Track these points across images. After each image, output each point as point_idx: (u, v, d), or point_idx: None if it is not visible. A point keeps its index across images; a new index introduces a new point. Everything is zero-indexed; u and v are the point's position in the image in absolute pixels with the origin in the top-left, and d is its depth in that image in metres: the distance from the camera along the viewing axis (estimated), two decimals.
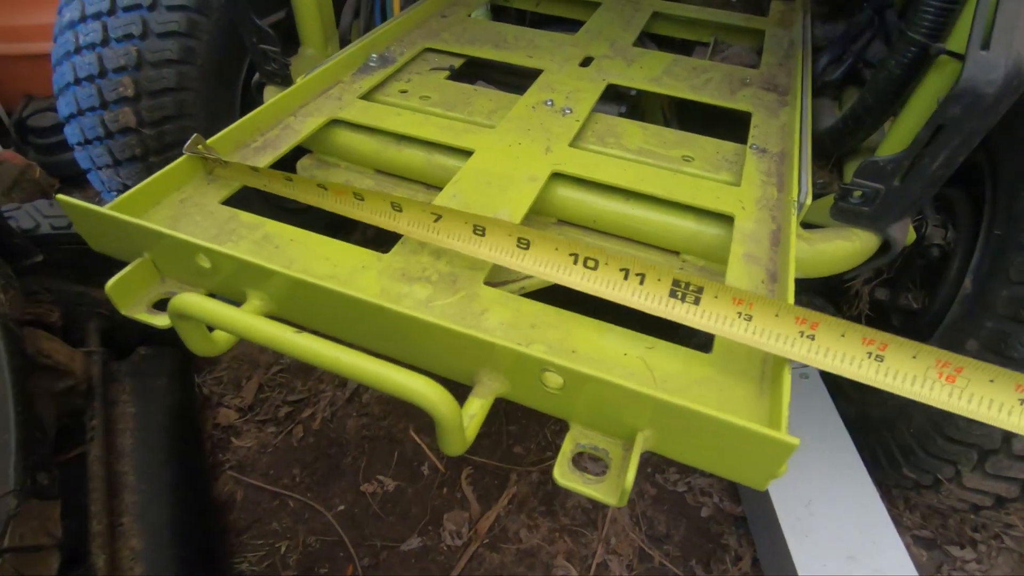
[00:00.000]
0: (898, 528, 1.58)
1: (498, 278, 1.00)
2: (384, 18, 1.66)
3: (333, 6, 1.56)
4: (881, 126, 1.14)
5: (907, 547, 1.52)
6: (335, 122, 1.24)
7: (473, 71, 1.55)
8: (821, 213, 1.22)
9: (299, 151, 1.30)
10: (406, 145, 1.21)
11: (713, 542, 1.50)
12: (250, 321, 0.65)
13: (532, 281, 1.03)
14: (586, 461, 1.49)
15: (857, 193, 0.99)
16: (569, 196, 1.13)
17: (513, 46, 1.54)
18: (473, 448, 1.29)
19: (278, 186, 0.95)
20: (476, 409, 0.66)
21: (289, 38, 1.54)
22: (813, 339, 0.65)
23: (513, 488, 1.61)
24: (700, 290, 0.74)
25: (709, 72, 1.46)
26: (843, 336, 0.64)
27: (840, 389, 1.48)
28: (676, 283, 0.75)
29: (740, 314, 0.72)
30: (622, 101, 1.51)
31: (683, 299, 0.75)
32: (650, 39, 1.86)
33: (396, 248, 0.90)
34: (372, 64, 1.40)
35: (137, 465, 1.32)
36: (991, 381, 0.64)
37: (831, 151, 1.27)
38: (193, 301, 0.68)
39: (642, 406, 0.62)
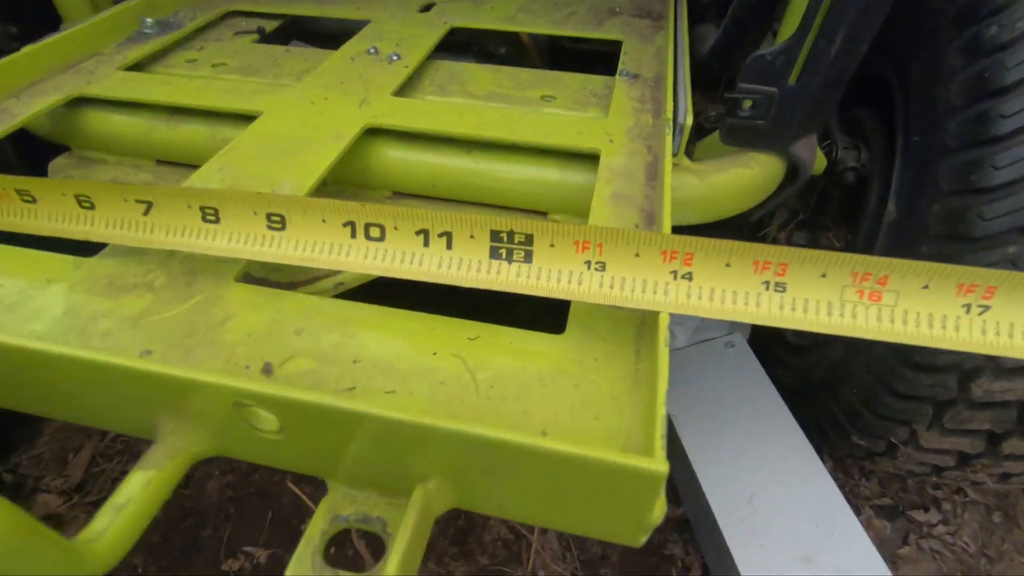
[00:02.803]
0: (856, 500, 1.40)
1: (290, 276, 0.72)
2: None
3: None
4: (768, 30, 0.94)
5: (868, 520, 1.34)
6: (83, 101, 0.93)
7: (292, 36, 1.27)
8: (714, 150, 1.01)
9: (51, 151, 0.99)
10: (181, 120, 0.92)
11: (655, 555, 1.27)
12: None
13: (348, 275, 0.76)
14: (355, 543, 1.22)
15: (747, 103, 0.77)
16: (396, 157, 0.87)
17: (339, 0, 1.27)
18: None
19: None
20: (132, 491, 0.38)
21: (48, 15, 1.22)
22: (691, 279, 0.42)
23: None
24: (529, 239, 0.49)
25: (573, 5, 1.24)
26: (728, 266, 0.41)
27: (771, 354, 1.28)
28: (496, 236, 0.50)
29: (589, 263, 0.47)
30: (485, 58, 1.27)
31: (509, 258, 0.50)
32: None
33: (108, 248, 0.61)
34: (147, 31, 1.09)
35: None
36: (925, 288, 0.43)
37: (719, 73, 1.07)
38: None
39: (419, 441, 0.36)
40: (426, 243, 0.52)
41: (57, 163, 0.98)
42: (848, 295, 0.41)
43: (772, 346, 1.29)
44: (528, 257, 0.49)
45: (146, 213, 0.56)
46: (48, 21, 1.24)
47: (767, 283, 0.41)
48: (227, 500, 1.39)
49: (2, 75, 0.88)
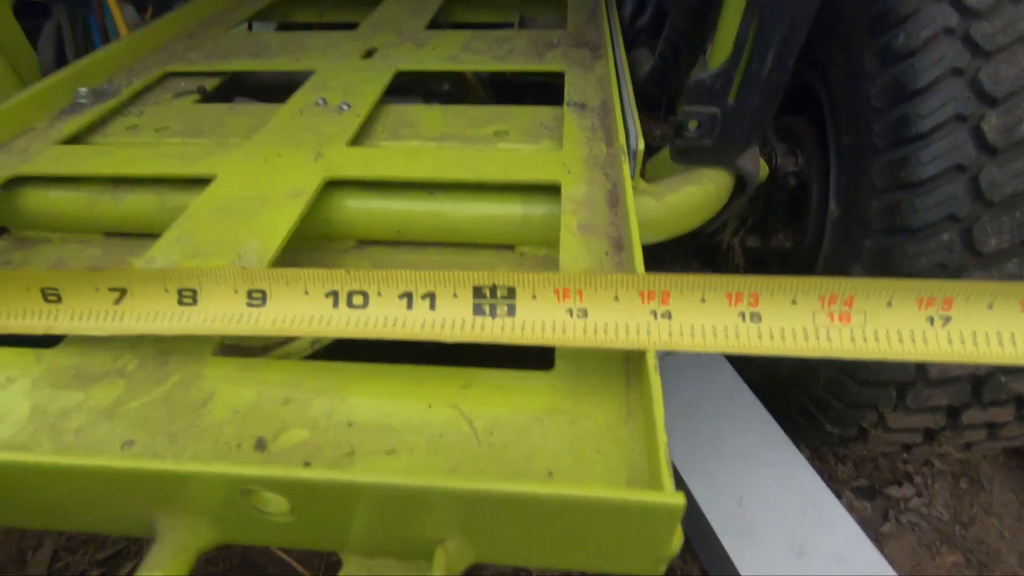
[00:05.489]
0: (835, 485, 1.45)
1: (262, 340, 0.71)
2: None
3: (28, 40, 1.21)
4: (701, 51, 0.99)
5: (849, 503, 1.40)
6: (19, 181, 0.89)
7: (234, 93, 1.26)
8: (663, 168, 1.05)
9: None
10: (128, 190, 0.89)
11: None
12: None
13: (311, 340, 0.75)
14: None
15: (692, 124, 0.82)
16: (358, 207, 0.86)
17: (277, 52, 1.26)
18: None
19: None
20: None
21: None
22: (670, 317, 0.44)
23: None
24: (511, 292, 0.50)
25: (512, 40, 1.28)
26: (704, 301, 0.43)
27: (741, 356, 1.33)
28: (479, 292, 0.51)
29: (571, 311, 0.48)
30: (433, 98, 1.29)
31: (492, 313, 0.50)
32: (449, 27, 1.67)
33: (69, 338, 0.59)
34: (82, 101, 1.06)
35: None
36: (889, 305, 0.47)
37: (659, 95, 1.12)
38: None
39: (437, 505, 0.36)
40: (409, 306, 0.52)
41: None
42: (820, 320, 0.44)
43: None
44: (511, 310, 0.50)
45: (118, 302, 0.54)
46: None
47: (743, 314, 0.44)
48: None
49: None
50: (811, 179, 1.11)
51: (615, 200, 0.76)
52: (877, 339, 0.47)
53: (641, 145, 0.78)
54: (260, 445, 0.48)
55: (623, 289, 0.46)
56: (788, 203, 1.18)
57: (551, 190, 0.82)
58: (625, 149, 0.77)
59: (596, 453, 0.47)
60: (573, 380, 0.52)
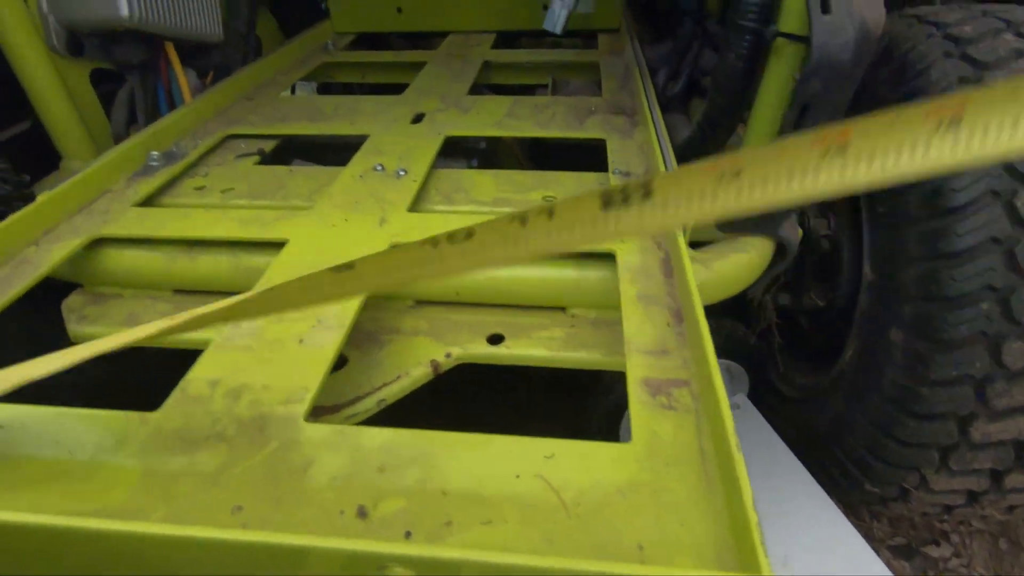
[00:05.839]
0: (872, 543, 1.44)
1: (334, 399, 0.75)
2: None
3: (102, 105, 1.30)
4: (736, 126, 1.05)
5: (888, 563, 1.38)
6: (101, 242, 0.95)
7: (290, 154, 1.33)
8: (704, 229, 1.10)
9: (61, 290, 0.99)
10: (202, 251, 0.95)
11: None
12: None
13: (391, 389, 0.79)
14: None
15: None
16: None
17: (332, 117, 1.34)
18: None
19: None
20: None
21: (47, 152, 1.24)
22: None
23: None
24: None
25: (552, 107, 1.35)
26: None
27: (773, 409, 1.34)
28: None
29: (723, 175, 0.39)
30: (471, 156, 1.35)
31: (626, 201, 0.37)
32: (487, 89, 1.76)
33: (169, 401, 0.63)
34: (153, 163, 1.13)
35: None
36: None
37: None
38: None
39: None
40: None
41: (72, 302, 0.98)
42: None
43: (770, 402, 1.35)
44: (647, 192, 0.38)
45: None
46: (46, 158, 1.27)
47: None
48: None
49: (16, 226, 0.90)
50: (843, 242, 1.16)
51: (669, 269, 0.81)
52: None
53: None
54: (362, 513, 0.51)
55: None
56: (819, 263, 1.22)
57: (604, 256, 0.86)
58: None
59: (681, 526, 0.49)
60: (650, 452, 0.55)
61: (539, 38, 1.90)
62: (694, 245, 0.94)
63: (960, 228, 0.87)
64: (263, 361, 0.68)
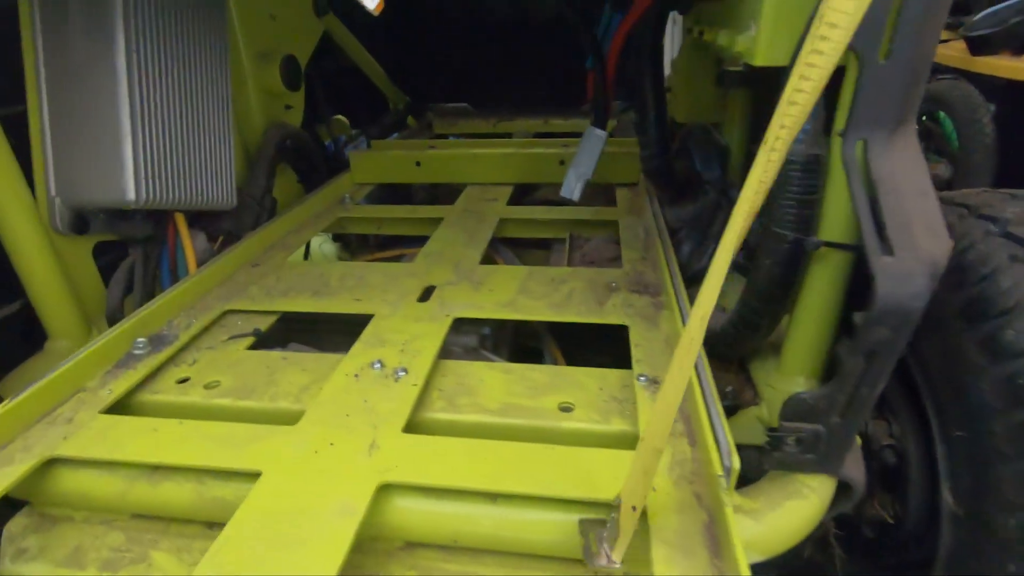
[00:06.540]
0: None
1: None
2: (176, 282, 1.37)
3: (101, 279, 1.25)
4: (775, 329, 0.94)
5: None
6: (56, 461, 0.84)
7: (290, 332, 1.25)
8: (744, 431, 0.95)
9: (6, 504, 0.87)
10: (166, 476, 0.83)
11: None
12: None
13: None
14: None
15: (792, 439, 0.72)
16: (412, 509, 0.77)
17: (337, 289, 1.28)
18: None
19: None
20: None
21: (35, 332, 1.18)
22: None
23: None
24: None
25: (569, 282, 1.27)
26: None
27: None
28: None
29: None
30: (483, 325, 1.26)
31: None
32: (502, 243, 1.71)
33: None
34: (139, 351, 1.05)
35: None
36: None
37: (731, 356, 1.05)
38: None
39: None
40: None
41: (13, 527, 0.86)
42: None
43: None
44: None
45: None
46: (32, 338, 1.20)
47: None
48: None
49: None
50: (909, 452, 0.99)
51: (713, 539, 0.65)
52: None
53: (736, 464, 0.69)
54: None
55: None
56: (883, 472, 1.04)
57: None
58: (722, 476, 0.67)
59: None
60: None
61: (557, 186, 1.89)
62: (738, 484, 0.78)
63: None
64: None
